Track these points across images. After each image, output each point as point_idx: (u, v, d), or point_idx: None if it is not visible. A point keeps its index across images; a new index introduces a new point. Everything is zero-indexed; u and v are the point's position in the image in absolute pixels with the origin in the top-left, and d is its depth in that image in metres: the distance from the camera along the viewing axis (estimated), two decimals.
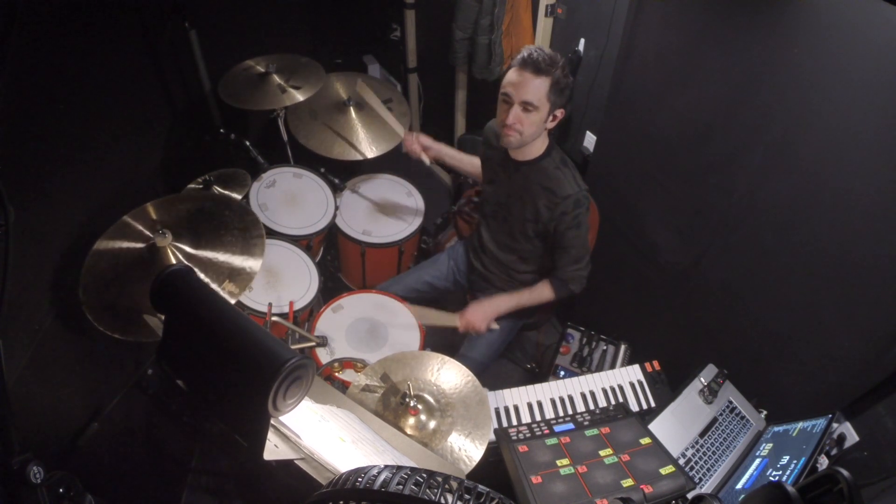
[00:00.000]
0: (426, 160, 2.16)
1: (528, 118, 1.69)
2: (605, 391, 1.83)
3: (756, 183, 1.65)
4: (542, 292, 1.93)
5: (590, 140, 2.38)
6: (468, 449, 1.42)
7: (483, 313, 1.90)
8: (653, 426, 1.58)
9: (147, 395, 2.06)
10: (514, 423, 1.74)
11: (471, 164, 2.21)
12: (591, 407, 1.78)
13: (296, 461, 1.10)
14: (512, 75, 1.68)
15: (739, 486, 1.47)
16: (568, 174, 1.79)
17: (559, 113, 1.73)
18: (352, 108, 2.44)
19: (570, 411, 1.77)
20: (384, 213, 2.48)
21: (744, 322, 1.86)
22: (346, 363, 1.73)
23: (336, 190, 2.44)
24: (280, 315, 1.87)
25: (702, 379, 1.73)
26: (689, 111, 1.77)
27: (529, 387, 1.83)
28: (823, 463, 1.42)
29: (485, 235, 2.08)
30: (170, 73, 2.44)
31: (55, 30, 1.74)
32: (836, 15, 1.32)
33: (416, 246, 2.69)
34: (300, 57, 2.48)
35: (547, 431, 1.53)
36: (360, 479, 0.79)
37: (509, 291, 1.99)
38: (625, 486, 1.33)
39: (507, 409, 1.77)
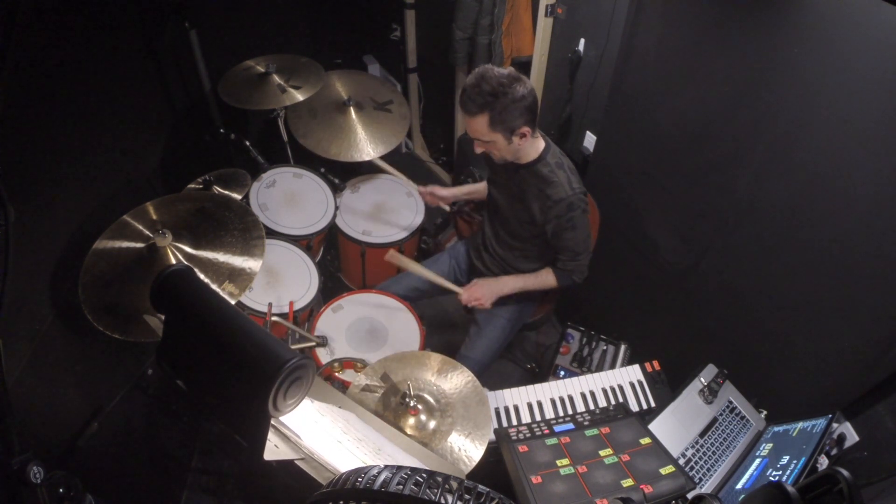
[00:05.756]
0: (445, 207, 2.37)
1: (490, 147, 1.72)
2: (605, 391, 1.83)
3: (756, 183, 1.65)
4: (547, 279, 1.96)
5: (590, 140, 2.38)
6: (468, 449, 1.42)
7: (489, 289, 1.94)
8: (653, 426, 1.58)
9: (147, 395, 2.06)
10: (514, 423, 1.74)
11: (484, 189, 2.23)
12: (591, 407, 1.78)
13: (296, 461, 1.10)
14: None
15: (739, 486, 1.47)
16: (562, 177, 1.77)
17: (523, 131, 1.66)
18: (352, 108, 2.44)
19: (570, 411, 1.77)
20: (384, 213, 2.48)
21: (744, 322, 1.86)
22: (346, 363, 1.73)
23: (336, 190, 2.44)
24: (280, 315, 1.87)
25: (702, 379, 1.73)
26: (689, 111, 1.77)
27: (529, 387, 1.83)
28: (823, 463, 1.42)
29: (488, 232, 2.09)
30: (170, 73, 2.44)
31: (55, 30, 1.74)
32: (836, 14, 1.32)
33: (416, 246, 2.69)
34: (300, 57, 2.48)
35: (547, 431, 1.53)
36: (360, 479, 0.79)
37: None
38: (625, 486, 1.33)
39: (507, 409, 1.77)
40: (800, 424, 1.54)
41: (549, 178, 1.77)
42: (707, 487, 1.50)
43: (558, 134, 2.52)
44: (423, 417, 1.47)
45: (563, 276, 1.95)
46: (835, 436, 1.50)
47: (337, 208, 2.39)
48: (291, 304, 1.92)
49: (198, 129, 2.67)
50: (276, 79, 2.33)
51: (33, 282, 1.74)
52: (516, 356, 2.68)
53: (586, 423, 1.57)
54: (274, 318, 1.75)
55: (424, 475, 0.78)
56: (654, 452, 1.44)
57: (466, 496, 0.77)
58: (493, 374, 2.39)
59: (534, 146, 1.78)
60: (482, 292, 1.93)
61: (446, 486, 0.77)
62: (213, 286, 1.66)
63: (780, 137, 1.54)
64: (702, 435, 1.61)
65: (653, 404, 1.79)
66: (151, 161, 2.43)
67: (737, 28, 1.55)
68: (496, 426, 1.71)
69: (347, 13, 3.26)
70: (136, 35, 2.23)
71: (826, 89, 1.40)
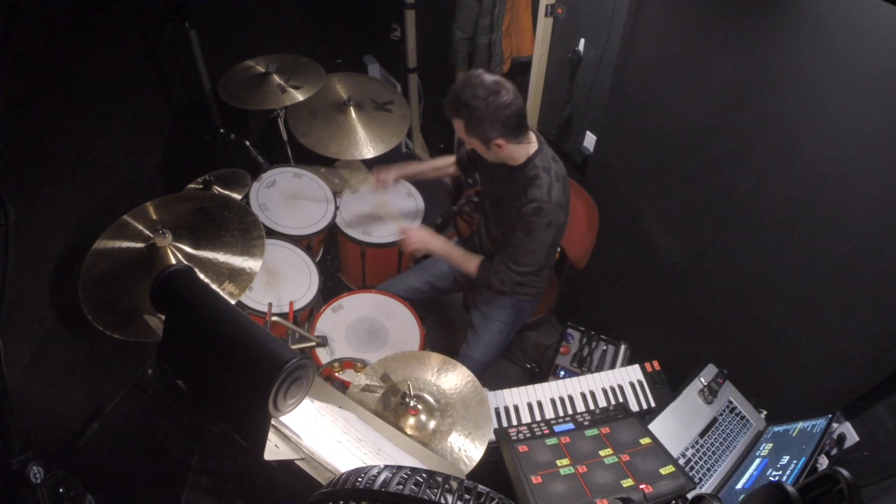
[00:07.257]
0: (393, 181, 2.21)
1: (474, 146, 1.75)
2: (605, 391, 1.83)
3: (756, 183, 1.65)
4: (470, 263, 1.95)
5: (590, 140, 2.38)
6: (468, 449, 1.42)
7: (422, 238, 1.99)
8: (653, 426, 1.58)
9: (147, 395, 2.06)
10: (514, 423, 1.74)
11: (434, 168, 2.22)
12: (591, 407, 1.78)
13: (296, 461, 1.10)
14: None
15: (739, 486, 1.47)
16: (545, 181, 1.73)
17: (498, 142, 1.66)
18: (352, 108, 2.44)
19: (570, 411, 1.77)
20: (384, 213, 2.48)
21: (744, 322, 1.86)
22: (346, 363, 1.73)
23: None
24: (280, 315, 1.86)
25: (702, 379, 1.73)
26: (689, 111, 1.77)
27: (529, 387, 1.83)
28: (823, 463, 1.42)
29: (483, 232, 2.09)
30: (170, 73, 2.44)
31: (55, 30, 1.74)
32: (836, 14, 1.32)
33: None
34: (300, 57, 2.48)
35: (547, 431, 1.53)
36: (360, 479, 0.79)
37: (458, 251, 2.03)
38: (625, 486, 1.33)
39: (507, 409, 1.77)
40: (800, 424, 1.54)
41: (533, 180, 1.75)
42: (707, 487, 1.50)
43: (558, 134, 2.52)
44: (423, 417, 1.47)
45: (484, 272, 1.90)
46: (835, 436, 1.50)
47: (337, 208, 2.39)
48: (291, 304, 1.92)
49: (198, 129, 2.67)
50: (276, 79, 2.33)
51: (33, 282, 1.74)
52: (516, 356, 2.68)
53: (586, 423, 1.57)
54: (274, 318, 1.75)
55: (424, 475, 0.78)
56: (654, 452, 1.44)
57: (466, 496, 0.77)
58: (493, 374, 2.39)
59: (521, 150, 1.76)
60: (414, 236, 1.99)
61: (446, 486, 0.77)
62: (213, 286, 1.66)
63: (780, 137, 1.54)
64: (702, 435, 1.61)
65: (653, 404, 1.79)
66: (151, 161, 2.43)
67: (737, 28, 1.55)
68: (496, 426, 1.71)
69: (347, 13, 3.26)
70: (136, 35, 2.22)
71: (826, 89, 1.40)
